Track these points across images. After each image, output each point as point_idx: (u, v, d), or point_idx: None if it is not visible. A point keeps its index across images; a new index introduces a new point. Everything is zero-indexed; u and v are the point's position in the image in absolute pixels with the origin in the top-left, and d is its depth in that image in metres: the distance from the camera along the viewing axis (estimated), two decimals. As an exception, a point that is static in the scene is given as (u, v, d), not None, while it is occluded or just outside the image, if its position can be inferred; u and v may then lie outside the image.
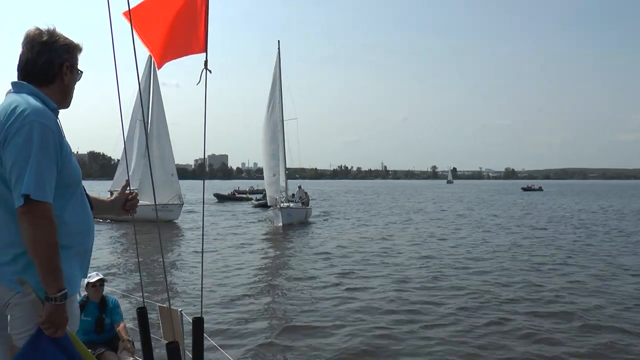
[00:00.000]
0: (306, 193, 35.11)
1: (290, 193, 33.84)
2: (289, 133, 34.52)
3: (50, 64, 2.46)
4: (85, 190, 2.61)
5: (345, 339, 8.87)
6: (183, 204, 32.59)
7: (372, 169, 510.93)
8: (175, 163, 34.34)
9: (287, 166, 34.16)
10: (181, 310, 4.56)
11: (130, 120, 32.15)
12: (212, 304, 11.05)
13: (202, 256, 4.43)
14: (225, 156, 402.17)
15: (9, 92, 2.48)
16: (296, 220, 29.91)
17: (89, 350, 2.60)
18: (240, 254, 18.87)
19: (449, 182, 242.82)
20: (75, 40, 2.56)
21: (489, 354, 8.18)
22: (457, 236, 24.33)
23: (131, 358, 5.40)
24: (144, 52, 3.78)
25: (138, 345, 4.64)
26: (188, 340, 4.11)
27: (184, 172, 37.28)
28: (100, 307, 5.72)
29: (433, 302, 11.45)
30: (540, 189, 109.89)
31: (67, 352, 2.33)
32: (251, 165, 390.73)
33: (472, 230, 27.25)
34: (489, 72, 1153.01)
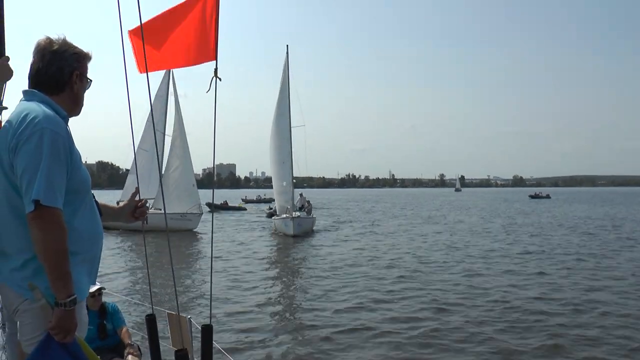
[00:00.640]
0: (308, 202, 34.63)
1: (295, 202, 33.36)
2: (296, 141, 33.86)
3: (60, 72, 2.49)
4: (94, 197, 2.63)
5: (358, 350, 8.82)
6: (202, 213, 32.91)
7: (380, 178, 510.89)
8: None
9: (295, 175, 33.65)
10: (190, 318, 4.56)
11: (143, 132, 32.31)
12: (222, 312, 11.04)
13: (212, 264, 4.42)
14: (234, 165, 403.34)
15: (20, 100, 2.52)
16: (305, 230, 29.46)
17: (98, 357, 2.60)
18: (250, 263, 18.83)
19: (457, 190, 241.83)
20: (85, 49, 2.60)
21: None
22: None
23: (139, 363, 5.40)
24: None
25: (145, 350, 4.65)
26: (197, 348, 4.11)
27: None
28: (100, 314, 5.76)
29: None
30: (548, 197, 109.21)
31: (76, 358, 2.34)
32: (259, 174, 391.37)
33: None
34: (498, 79, 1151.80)
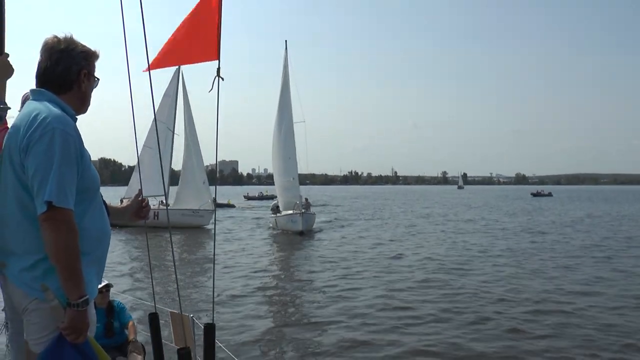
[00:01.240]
0: (307, 199, 33.87)
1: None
2: (297, 137, 33.42)
3: (68, 71, 2.49)
4: (102, 196, 2.63)
5: (364, 352, 8.81)
6: (215, 209, 32.86)
7: (383, 175, 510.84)
8: (174, 169, 35.68)
9: (297, 172, 33.26)
10: (192, 316, 4.57)
11: (149, 130, 32.42)
12: (224, 311, 11.05)
13: (214, 262, 4.42)
14: (236, 162, 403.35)
15: (28, 99, 2.52)
16: (310, 227, 29.23)
17: (109, 357, 2.61)
18: (255, 261, 18.86)
19: (460, 187, 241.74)
20: (93, 48, 2.59)
21: None
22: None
23: (142, 362, 5.41)
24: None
25: (148, 348, 4.65)
26: (199, 347, 4.11)
27: (174, 180, 37.84)
28: (107, 312, 5.79)
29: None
30: (549, 195, 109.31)
31: (87, 358, 2.35)
32: (261, 171, 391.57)
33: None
34: (500, 77, 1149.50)
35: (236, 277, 15.31)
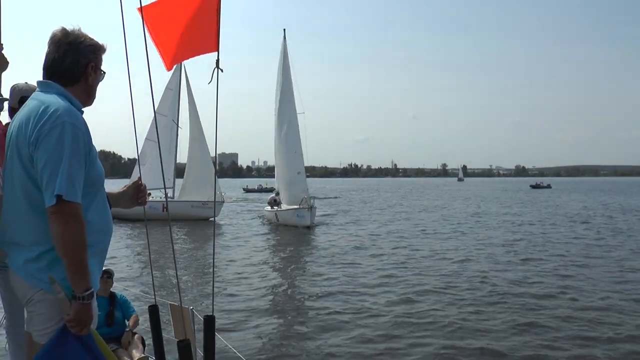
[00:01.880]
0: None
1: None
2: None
3: (76, 63, 2.49)
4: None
5: (360, 342, 8.83)
6: (224, 202, 33.39)
7: (382, 167, 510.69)
8: (177, 162, 35.85)
9: (304, 165, 31.64)
10: (192, 309, 4.57)
11: (152, 122, 32.42)
12: (225, 303, 11.08)
13: (214, 254, 4.43)
14: (235, 155, 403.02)
15: (36, 90, 2.52)
16: (314, 221, 28.57)
17: (111, 351, 2.62)
18: (256, 254, 18.91)
19: (460, 179, 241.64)
20: (100, 41, 2.60)
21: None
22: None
23: (142, 355, 5.43)
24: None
25: (148, 340, 4.67)
26: (199, 338, 4.12)
27: (179, 173, 37.93)
28: (109, 301, 5.83)
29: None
30: (548, 187, 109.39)
31: (90, 350, 2.37)
32: (261, 163, 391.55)
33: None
34: (500, 68, 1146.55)
35: (237, 270, 15.34)
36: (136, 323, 5.91)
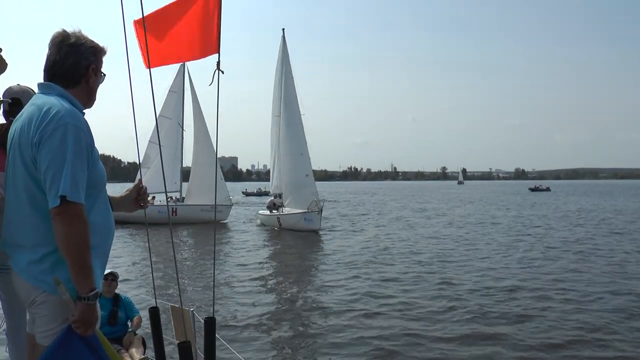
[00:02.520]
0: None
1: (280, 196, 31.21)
2: None
3: (77, 65, 2.51)
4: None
5: (360, 343, 8.83)
6: (232, 205, 33.47)
7: (382, 170, 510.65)
8: (184, 166, 35.53)
9: (311, 168, 30.38)
10: (193, 311, 4.58)
11: (155, 126, 32.31)
12: (226, 305, 11.08)
13: (214, 256, 4.45)
14: (235, 158, 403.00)
15: (37, 92, 2.53)
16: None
17: (115, 351, 2.62)
18: (257, 256, 18.91)
19: (460, 183, 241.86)
20: (101, 44, 2.61)
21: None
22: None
23: (143, 356, 5.44)
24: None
25: (149, 342, 4.67)
26: (200, 340, 4.13)
27: (185, 176, 37.87)
28: (113, 301, 5.88)
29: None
30: (547, 189, 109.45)
31: (95, 351, 2.37)
32: (261, 167, 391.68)
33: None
34: (499, 71, 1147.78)
35: (239, 272, 15.35)
36: (139, 324, 5.94)
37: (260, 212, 33.40)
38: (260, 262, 17.51)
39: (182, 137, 34.27)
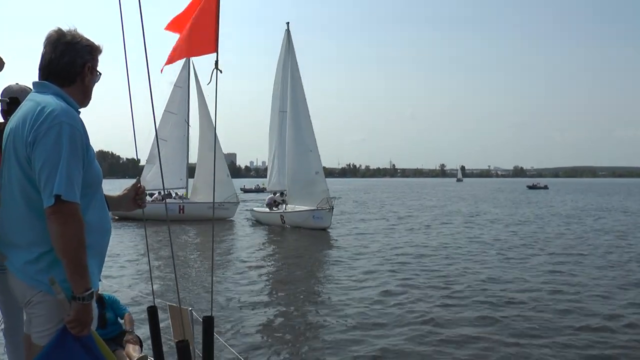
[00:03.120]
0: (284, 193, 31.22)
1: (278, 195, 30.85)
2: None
3: (72, 64, 2.49)
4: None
5: (361, 343, 8.82)
6: (239, 202, 33.42)
7: (381, 167, 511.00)
8: (190, 162, 35.25)
9: (321, 165, 29.69)
10: (191, 310, 4.57)
11: (160, 122, 32.20)
12: (224, 304, 11.08)
13: (213, 256, 4.43)
14: (234, 155, 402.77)
15: (32, 91, 2.51)
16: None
17: (110, 351, 2.61)
18: (256, 255, 18.92)
19: (459, 180, 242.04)
20: (96, 42, 2.59)
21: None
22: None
23: (141, 355, 5.42)
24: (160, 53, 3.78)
25: (148, 342, 4.66)
26: (198, 339, 4.12)
27: (192, 172, 37.74)
28: (98, 303, 5.79)
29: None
30: (545, 187, 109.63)
31: (90, 351, 2.36)
32: (259, 164, 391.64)
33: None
34: (498, 69, 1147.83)
35: (238, 271, 15.36)
36: (132, 321, 5.87)
37: (256, 209, 32.79)
38: (263, 261, 17.53)
39: (188, 133, 33.85)
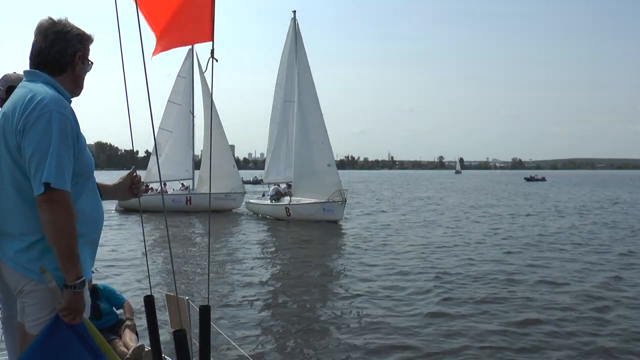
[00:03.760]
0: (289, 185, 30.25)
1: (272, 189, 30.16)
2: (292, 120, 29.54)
3: (63, 53, 2.49)
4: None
5: (360, 335, 8.84)
6: (245, 193, 33.46)
7: (379, 160, 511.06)
8: (195, 153, 35.25)
9: (333, 157, 28.78)
10: (188, 299, 4.58)
11: (164, 113, 32.09)
12: (221, 294, 11.07)
13: (209, 243, 4.46)
14: (233, 147, 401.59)
15: (23, 80, 2.51)
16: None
17: (103, 338, 2.62)
18: (257, 246, 18.93)
19: (458, 172, 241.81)
20: (87, 32, 2.59)
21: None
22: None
23: (138, 344, 5.44)
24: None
25: (145, 332, 4.67)
26: (195, 329, 4.13)
27: (197, 164, 37.84)
28: (92, 294, 5.76)
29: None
30: (543, 179, 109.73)
31: (83, 339, 2.37)
32: (258, 155, 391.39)
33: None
34: (497, 61, 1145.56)
35: (235, 260, 15.34)
36: (131, 310, 5.86)
37: (252, 201, 31.92)
38: (263, 251, 17.53)
39: (193, 124, 33.66)
